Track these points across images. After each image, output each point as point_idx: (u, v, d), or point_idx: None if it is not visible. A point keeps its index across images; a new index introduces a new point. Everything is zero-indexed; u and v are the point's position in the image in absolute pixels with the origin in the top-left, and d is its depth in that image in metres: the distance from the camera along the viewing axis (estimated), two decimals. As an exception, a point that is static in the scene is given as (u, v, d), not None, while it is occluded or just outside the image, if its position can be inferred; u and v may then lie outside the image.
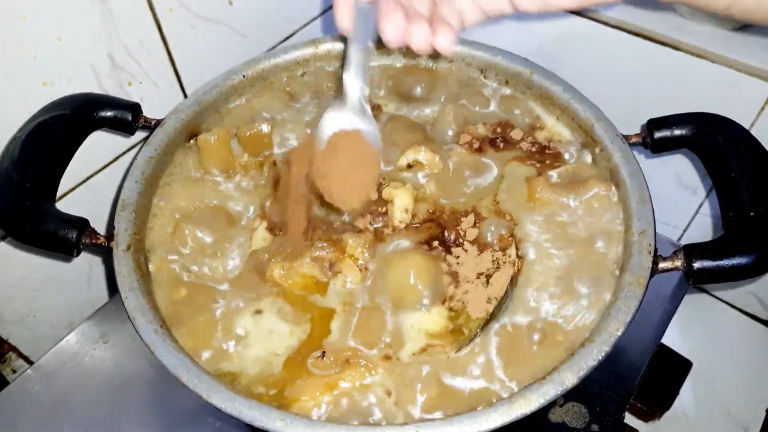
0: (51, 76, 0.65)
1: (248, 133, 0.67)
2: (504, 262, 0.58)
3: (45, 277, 0.77)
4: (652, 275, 0.53)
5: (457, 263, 0.59)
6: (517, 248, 0.60)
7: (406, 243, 0.61)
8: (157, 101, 0.75)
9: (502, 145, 0.69)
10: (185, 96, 0.80)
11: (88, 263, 0.81)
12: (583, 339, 0.52)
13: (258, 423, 0.46)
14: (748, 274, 0.52)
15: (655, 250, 0.55)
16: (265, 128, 0.67)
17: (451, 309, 0.57)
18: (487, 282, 0.58)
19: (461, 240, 0.61)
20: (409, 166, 0.67)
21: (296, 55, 0.74)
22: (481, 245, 0.60)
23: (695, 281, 0.53)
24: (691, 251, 0.53)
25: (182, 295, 0.58)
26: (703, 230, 0.93)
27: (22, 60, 0.62)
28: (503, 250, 0.59)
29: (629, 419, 0.92)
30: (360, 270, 0.59)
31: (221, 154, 0.66)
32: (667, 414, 0.92)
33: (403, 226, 0.62)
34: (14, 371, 0.78)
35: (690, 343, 0.96)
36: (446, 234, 0.61)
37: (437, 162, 0.66)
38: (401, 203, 0.62)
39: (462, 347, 0.54)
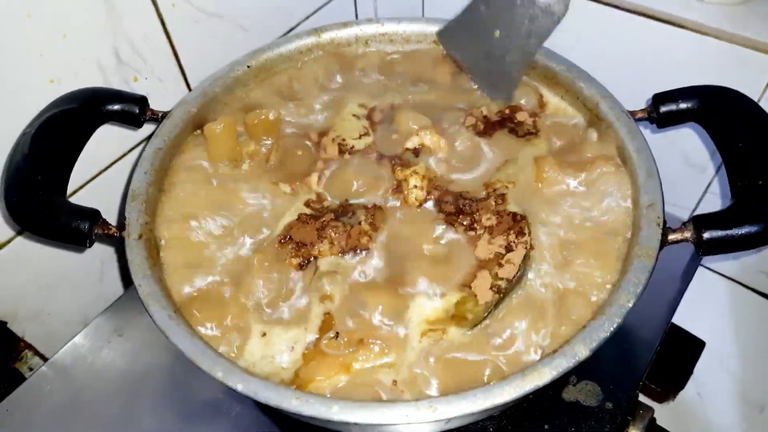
0: (58, 73, 0.65)
1: (255, 121, 0.67)
2: (517, 244, 0.58)
3: (57, 275, 0.77)
4: (661, 247, 0.53)
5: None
6: (528, 229, 0.60)
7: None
8: (163, 96, 0.76)
9: (509, 126, 0.69)
10: (190, 91, 0.80)
11: (100, 260, 0.82)
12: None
13: (274, 402, 0.46)
14: (757, 242, 0.51)
15: (665, 222, 0.55)
16: (271, 116, 0.67)
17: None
18: (500, 265, 0.58)
19: (475, 225, 0.61)
20: (415, 150, 0.67)
21: (299, 44, 0.74)
22: (494, 229, 0.60)
23: (705, 251, 0.52)
24: (701, 222, 0.53)
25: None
26: (712, 209, 0.92)
27: (28, 57, 0.62)
28: (517, 233, 0.59)
29: (643, 401, 0.92)
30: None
31: (228, 144, 0.66)
32: (681, 394, 0.91)
33: (417, 203, 0.63)
34: (30, 369, 0.79)
35: (703, 324, 0.96)
36: (460, 218, 0.61)
37: (443, 145, 0.67)
38: (416, 181, 0.63)
39: (477, 324, 0.55)
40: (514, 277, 0.57)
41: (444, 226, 0.61)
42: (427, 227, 0.61)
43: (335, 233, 0.59)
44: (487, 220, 0.60)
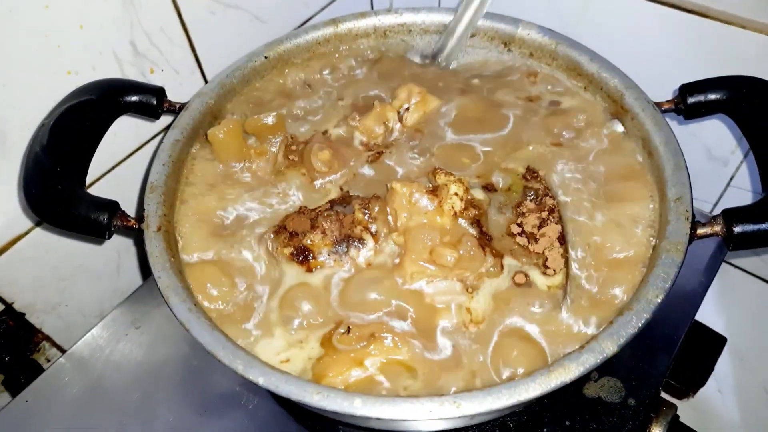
0: (75, 65, 0.65)
1: (257, 125, 0.66)
2: (548, 220, 0.59)
3: (75, 267, 0.77)
4: (690, 242, 0.52)
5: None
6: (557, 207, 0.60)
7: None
8: (179, 88, 0.76)
9: None
10: (206, 83, 0.79)
11: (117, 252, 0.82)
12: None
13: (294, 396, 0.46)
14: (791, 237, 0.50)
15: (693, 216, 0.53)
16: (269, 120, 0.66)
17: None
18: (536, 240, 0.58)
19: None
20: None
21: (317, 35, 0.74)
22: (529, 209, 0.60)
23: (735, 246, 0.51)
24: (731, 216, 0.51)
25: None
26: (734, 204, 0.90)
27: (46, 49, 0.62)
28: (549, 211, 0.59)
29: (663, 397, 0.90)
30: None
31: (234, 146, 0.65)
32: (701, 391, 0.90)
33: (452, 213, 0.59)
34: (48, 360, 0.79)
35: (724, 319, 0.94)
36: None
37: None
38: (458, 189, 0.59)
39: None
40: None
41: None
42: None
43: (327, 222, 0.57)
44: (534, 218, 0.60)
